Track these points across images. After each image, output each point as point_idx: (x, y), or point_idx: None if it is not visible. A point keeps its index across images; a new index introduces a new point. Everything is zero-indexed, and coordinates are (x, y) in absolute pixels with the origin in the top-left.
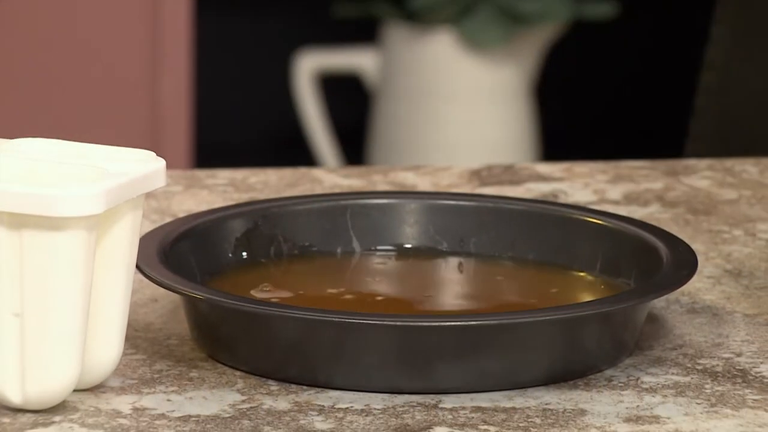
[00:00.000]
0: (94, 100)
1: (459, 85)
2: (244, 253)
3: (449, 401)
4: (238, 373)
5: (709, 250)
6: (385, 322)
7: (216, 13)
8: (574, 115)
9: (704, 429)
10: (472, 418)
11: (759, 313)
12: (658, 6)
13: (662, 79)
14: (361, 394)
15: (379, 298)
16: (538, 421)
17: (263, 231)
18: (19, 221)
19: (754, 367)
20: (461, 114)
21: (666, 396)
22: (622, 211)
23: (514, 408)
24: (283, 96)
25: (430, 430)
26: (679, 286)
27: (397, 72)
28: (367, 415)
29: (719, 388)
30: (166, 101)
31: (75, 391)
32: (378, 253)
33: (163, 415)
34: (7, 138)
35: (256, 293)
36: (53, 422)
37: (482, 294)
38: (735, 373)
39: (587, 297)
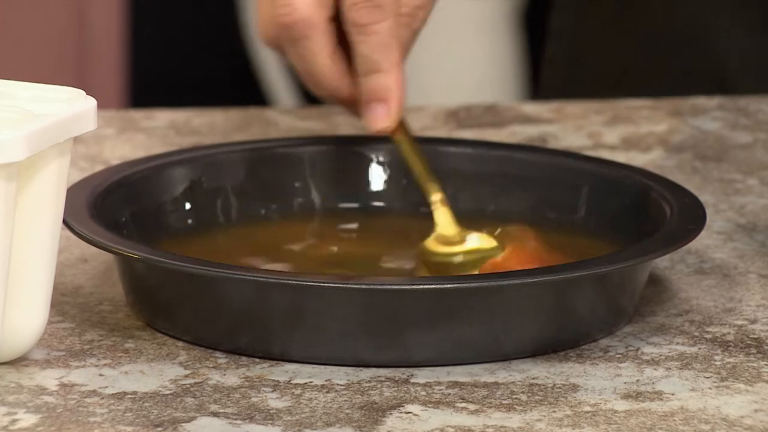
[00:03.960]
0: (13, 30)
1: (434, 13)
2: (187, 206)
3: (422, 375)
4: (180, 343)
5: (719, 201)
6: (348, 286)
7: None
8: None
9: (713, 407)
10: (449, 394)
11: None
12: None
13: None
14: (321, 367)
15: (342, 258)
16: (523, 398)
17: (209, 181)
18: None
19: None
20: (437, 47)
21: (670, 369)
22: (621, 157)
23: (496, 383)
24: (231, 24)
25: (401, 408)
26: (685, 243)
27: None
28: (328, 392)
29: (731, 360)
30: (96, 30)
31: None
32: (340, 206)
33: (94, 392)
34: None
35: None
36: None
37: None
38: (749, 342)
39: (580, 256)
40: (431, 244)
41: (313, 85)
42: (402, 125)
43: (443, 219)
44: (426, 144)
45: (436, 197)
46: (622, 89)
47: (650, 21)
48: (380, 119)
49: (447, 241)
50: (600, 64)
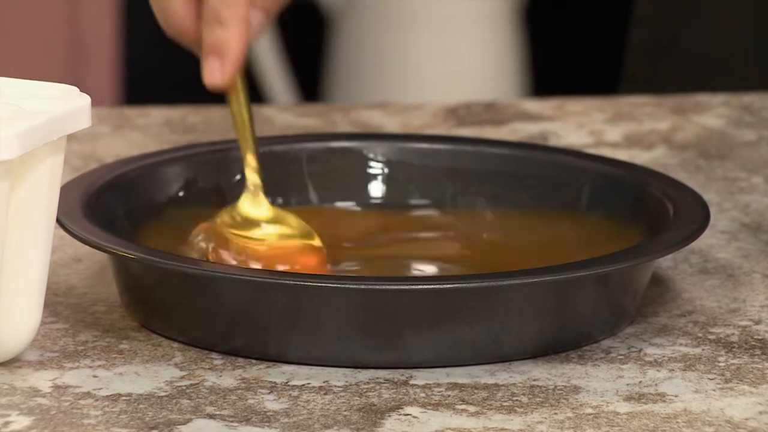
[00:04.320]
0: (6, 27)
1: (433, 8)
2: (182, 206)
3: (422, 377)
4: (175, 344)
5: (723, 200)
6: (346, 286)
7: None
8: (567, 44)
9: (717, 408)
10: (449, 396)
11: None
12: None
13: None
14: (319, 368)
15: (340, 257)
16: (524, 399)
17: (205, 180)
18: None
19: None
20: (435, 42)
21: (673, 370)
22: (623, 155)
23: (496, 384)
24: None
25: (400, 410)
26: (689, 243)
27: None
28: (326, 394)
29: (735, 361)
30: (89, 27)
31: None
32: (338, 205)
33: (88, 394)
34: None
35: (196, 250)
36: None
37: (460, 253)
38: (753, 343)
39: (581, 255)
40: (228, 222)
41: (165, 25)
42: (238, 85)
43: (248, 205)
44: (425, 142)
45: (252, 177)
46: (715, 79)
47: (743, 4)
48: (213, 74)
49: (247, 224)
50: (689, 53)
